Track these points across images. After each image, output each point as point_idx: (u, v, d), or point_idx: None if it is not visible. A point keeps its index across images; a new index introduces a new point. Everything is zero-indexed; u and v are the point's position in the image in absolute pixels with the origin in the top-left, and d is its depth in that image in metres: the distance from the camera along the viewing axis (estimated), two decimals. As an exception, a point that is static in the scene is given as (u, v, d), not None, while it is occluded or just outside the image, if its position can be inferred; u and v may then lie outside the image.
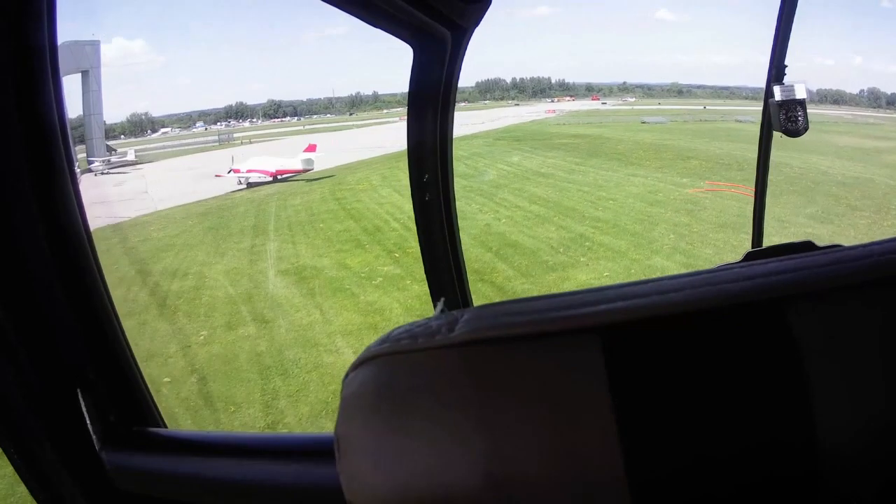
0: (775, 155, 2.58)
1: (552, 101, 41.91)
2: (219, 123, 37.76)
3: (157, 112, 36.13)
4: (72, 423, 0.91)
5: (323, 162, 20.85)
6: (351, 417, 0.48)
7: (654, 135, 25.15)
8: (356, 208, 15.76)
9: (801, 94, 2.39)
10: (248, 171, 19.71)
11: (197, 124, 37.48)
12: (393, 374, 0.47)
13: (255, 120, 39.60)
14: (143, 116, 35.39)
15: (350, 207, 15.88)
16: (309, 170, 20.21)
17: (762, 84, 2.42)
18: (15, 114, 0.79)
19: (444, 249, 1.84)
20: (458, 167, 17.62)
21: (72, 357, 0.91)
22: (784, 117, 2.37)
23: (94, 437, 0.91)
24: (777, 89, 2.37)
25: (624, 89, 43.05)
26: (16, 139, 0.81)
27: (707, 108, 33.32)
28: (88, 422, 0.91)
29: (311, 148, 20.89)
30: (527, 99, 43.83)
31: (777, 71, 2.36)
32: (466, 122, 29.93)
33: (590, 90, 43.68)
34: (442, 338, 0.47)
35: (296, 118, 40.46)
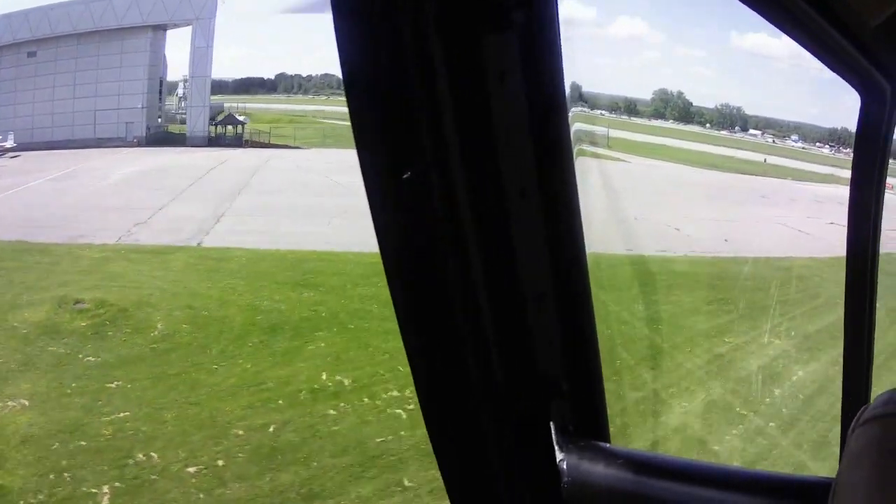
0: None
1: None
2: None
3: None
4: (536, 428, 0.88)
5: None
6: (857, 468, 0.53)
7: None
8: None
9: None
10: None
11: (792, 137, 33.33)
12: None
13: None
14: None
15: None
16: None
17: None
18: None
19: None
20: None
21: (549, 364, 0.87)
22: None
23: (556, 446, 0.88)
24: None
25: None
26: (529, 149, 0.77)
27: None
28: (553, 431, 0.88)
29: None
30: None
31: None
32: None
33: None
34: None
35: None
